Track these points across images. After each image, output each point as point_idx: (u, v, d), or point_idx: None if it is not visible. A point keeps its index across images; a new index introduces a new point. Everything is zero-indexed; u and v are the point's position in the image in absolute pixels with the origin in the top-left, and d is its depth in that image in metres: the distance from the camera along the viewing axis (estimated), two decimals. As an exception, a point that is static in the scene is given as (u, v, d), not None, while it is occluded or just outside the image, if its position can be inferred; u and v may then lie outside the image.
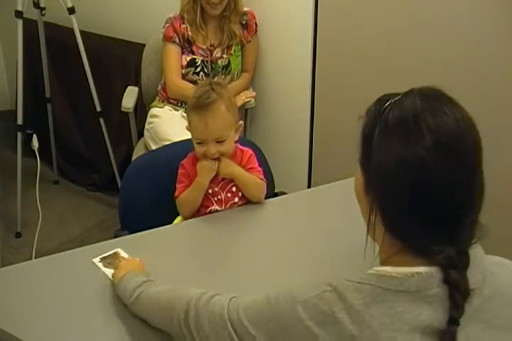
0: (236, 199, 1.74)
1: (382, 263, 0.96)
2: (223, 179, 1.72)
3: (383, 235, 0.93)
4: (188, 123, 1.70)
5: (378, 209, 0.92)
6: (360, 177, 0.96)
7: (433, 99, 0.90)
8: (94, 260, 1.49)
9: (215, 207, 1.73)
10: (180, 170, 1.74)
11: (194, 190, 1.70)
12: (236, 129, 1.71)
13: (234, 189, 1.74)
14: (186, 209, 1.73)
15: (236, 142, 1.74)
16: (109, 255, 1.51)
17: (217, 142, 1.65)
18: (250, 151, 1.78)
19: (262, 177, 1.77)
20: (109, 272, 1.45)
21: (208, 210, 1.73)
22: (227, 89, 1.71)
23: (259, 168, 1.78)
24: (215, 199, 1.73)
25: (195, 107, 1.64)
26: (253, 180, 1.74)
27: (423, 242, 0.89)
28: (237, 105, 2.61)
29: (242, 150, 1.77)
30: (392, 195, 0.89)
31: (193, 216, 1.73)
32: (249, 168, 1.76)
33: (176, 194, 1.72)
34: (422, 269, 0.88)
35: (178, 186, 1.73)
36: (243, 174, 1.72)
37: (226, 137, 1.66)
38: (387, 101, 0.93)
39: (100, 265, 1.48)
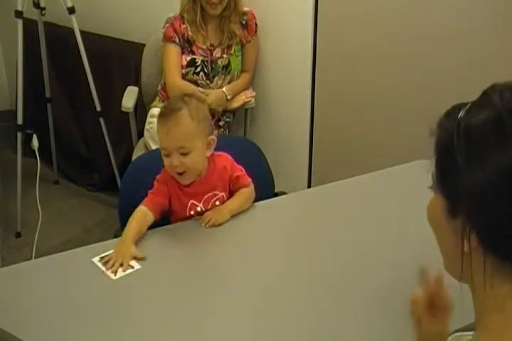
0: None
1: (483, 328, 0.76)
2: (205, 192, 1.68)
3: (484, 265, 0.73)
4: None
5: (475, 233, 0.73)
6: (439, 201, 0.79)
7: None
8: (93, 259, 1.49)
9: (197, 216, 1.69)
10: (159, 185, 1.65)
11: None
12: (207, 144, 1.63)
13: (217, 203, 1.70)
14: None
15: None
16: (108, 254, 1.51)
17: (181, 154, 1.58)
18: (228, 158, 1.72)
19: (248, 181, 1.73)
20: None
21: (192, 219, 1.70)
22: (199, 100, 1.65)
23: (242, 170, 1.73)
24: (200, 214, 1.69)
25: (160, 115, 1.62)
26: (244, 203, 1.71)
27: None
28: (237, 105, 2.65)
29: (222, 160, 1.70)
30: (492, 212, 0.71)
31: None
32: (236, 177, 1.71)
33: (143, 202, 1.64)
34: None
35: (151, 196, 1.64)
36: (235, 208, 1.69)
37: (190, 149, 1.58)
38: (462, 106, 0.77)
39: (100, 264, 1.48)
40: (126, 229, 1.57)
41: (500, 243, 0.72)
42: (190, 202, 1.67)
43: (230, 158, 1.73)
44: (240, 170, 1.73)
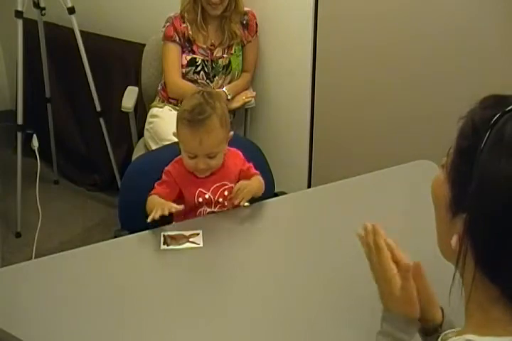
0: (225, 203, 1.74)
1: (467, 324, 0.78)
2: (214, 182, 1.71)
3: (473, 274, 0.73)
4: (178, 133, 1.66)
5: (469, 241, 0.72)
6: (446, 188, 0.77)
7: None
8: (162, 247, 1.55)
9: (205, 208, 1.73)
10: (164, 177, 1.70)
11: (149, 207, 1.65)
12: (227, 141, 1.70)
13: (226, 193, 1.73)
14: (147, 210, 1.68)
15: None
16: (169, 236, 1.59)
17: (209, 157, 1.64)
18: (239, 153, 1.78)
19: (256, 171, 1.79)
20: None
21: (198, 211, 1.73)
22: (220, 100, 1.67)
23: (249, 163, 1.79)
24: (208, 202, 1.72)
25: (189, 121, 1.60)
26: (260, 187, 1.76)
27: None
28: (237, 105, 2.65)
29: (233, 154, 1.75)
30: (497, 223, 0.70)
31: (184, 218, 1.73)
32: (247, 168, 1.77)
33: (151, 192, 1.69)
34: None
35: (157, 186, 1.70)
36: (256, 188, 1.74)
37: (218, 153, 1.65)
38: (498, 106, 0.73)
39: (172, 246, 1.55)
40: (152, 203, 1.64)
41: (489, 265, 0.72)
42: (199, 190, 1.70)
43: (240, 153, 1.78)
44: (247, 163, 1.79)
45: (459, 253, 0.73)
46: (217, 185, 1.71)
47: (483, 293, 0.74)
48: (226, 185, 1.73)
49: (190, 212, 1.72)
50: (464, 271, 0.75)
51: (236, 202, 1.68)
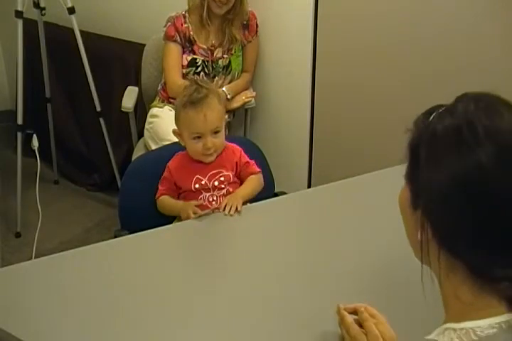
0: (222, 186, 1.79)
1: (446, 316, 0.85)
2: (211, 169, 1.77)
3: (438, 255, 0.81)
4: (181, 121, 1.76)
5: (430, 226, 0.81)
6: (406, 191, 0.86)
7: (488, 102, 0.81)
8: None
9: (205, 194, 1.78)
10: (165, 173, 1.80)
11: (171, 211, 1.79)
12: (225, 120, 1.82)
13: (222, 178, 1.78)
14: (164, 213, 1.81)
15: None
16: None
17: (214, 133, 1.73)
18: (238, 147, 1.85)
19: (257, 169, 1.84)
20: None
21: (199, 198, 1.77)
22: (212, 84, 1.80)
23: (251, 160, 1.85)
24: (205, 188, 1.78)
25: (191, 103, 1.72)
26: (254, 189, 1.81)
27: (487, 263, 0.78)
28: (237, 105, 2.66)
29: (232, 146, 1.83)
30: (444, 210, 0.79)
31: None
32: (245, 163, 1.82)
33: (157, 196, 1.80)
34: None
35: (160, 187, 1.80)
36: (246, 194, 1.77)
37: (221, 128, 1.75)
38: (438, 109, 0.84)
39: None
40: (169, 206, 1.78)
41: (451, 241, 0.80)
42: (196, 176, 1.77)
43: (240, 148, 1.85)
44: (247, 159, 1.84)
45: (421, 235, 0.81)
46: (214, 172, 1.78)
47: (452, 276, 0.81)
48: (222, 172, 1.79)
49: (190, 199, 1.77)
50: (430, 258, 0.82)
51: (226, 212, 1.69)
